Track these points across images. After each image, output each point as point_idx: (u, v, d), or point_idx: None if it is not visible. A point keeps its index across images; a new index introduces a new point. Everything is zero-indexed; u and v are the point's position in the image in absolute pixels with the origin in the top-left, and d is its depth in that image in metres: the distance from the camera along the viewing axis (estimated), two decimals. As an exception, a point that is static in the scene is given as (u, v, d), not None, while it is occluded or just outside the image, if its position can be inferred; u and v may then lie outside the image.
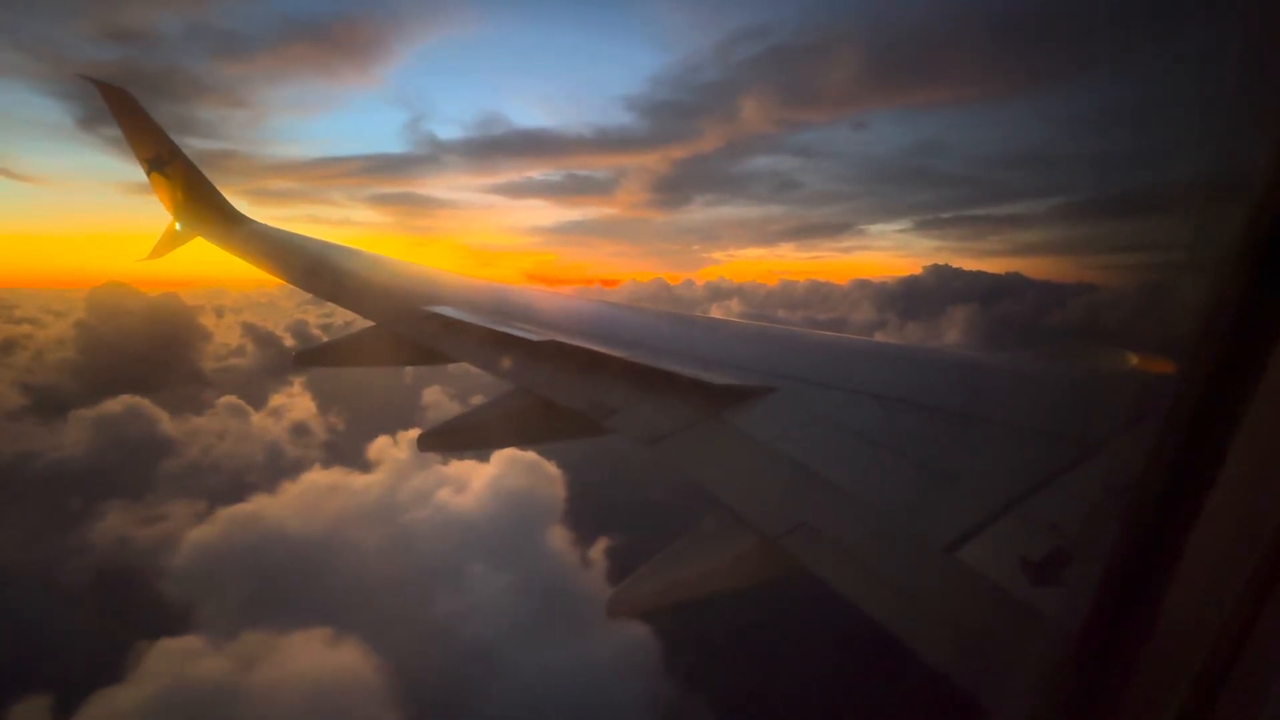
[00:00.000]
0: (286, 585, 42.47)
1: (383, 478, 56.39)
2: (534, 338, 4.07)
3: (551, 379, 3.81)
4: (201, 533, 47.82)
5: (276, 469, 64.98)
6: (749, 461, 2.65)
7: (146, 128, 7.39)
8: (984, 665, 1.59)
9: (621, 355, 3.62)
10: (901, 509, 2.14)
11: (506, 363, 4.13)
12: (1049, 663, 1.41)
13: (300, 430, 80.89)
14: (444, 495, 52.68)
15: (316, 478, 57.27)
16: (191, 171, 7.62)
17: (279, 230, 7.50)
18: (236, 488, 58.36)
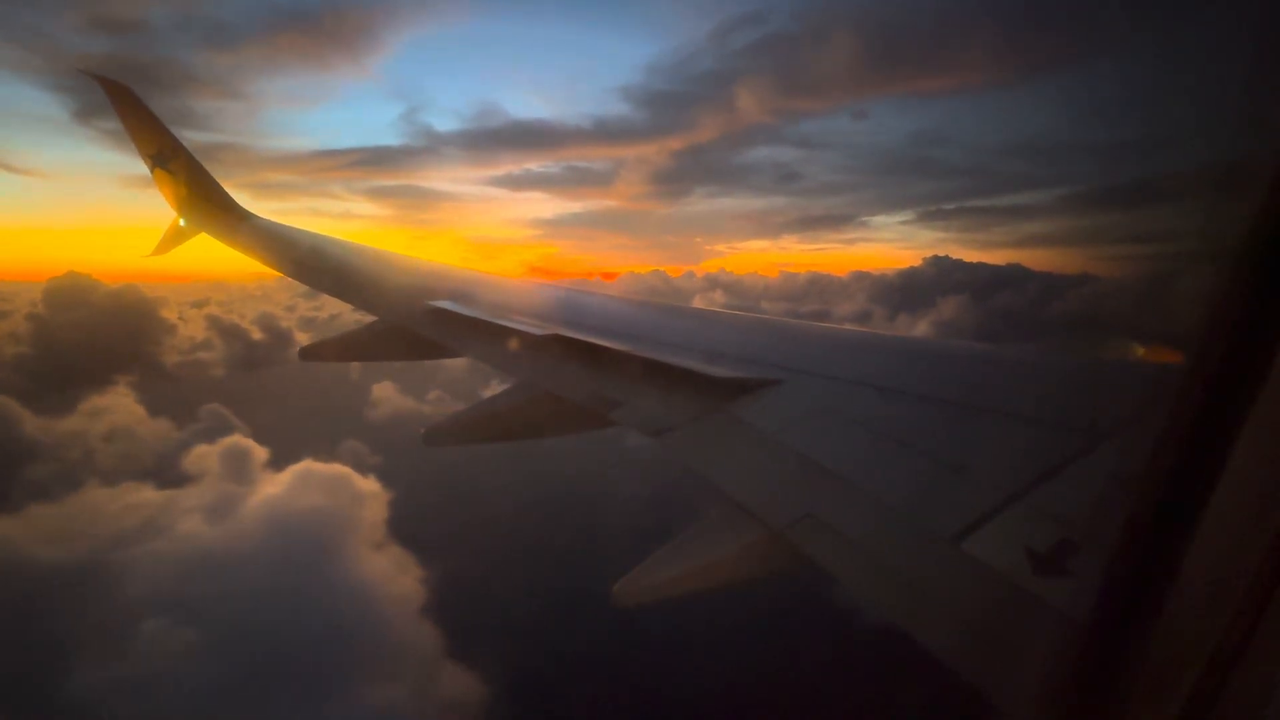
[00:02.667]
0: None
1: (170, 494, 50.15)
2: (537, 331, 4.07)
3: (555, 373, 3.82)
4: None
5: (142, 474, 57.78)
6: (754, 454, 2.67)
7: (148, 123, 7.34)
8: (989, 656, 1.61)
9: (625, 349, 3.63)
10: (907, 500, 2.15)
11: (509, 357, 4.13)
12: (1055, 653, 1.42)
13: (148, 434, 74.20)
14: (193, 523, 44.26)
15: (144, 494, 50.28)
16: (194, 167, 7.58)
17: (282, 225, 7.47)
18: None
